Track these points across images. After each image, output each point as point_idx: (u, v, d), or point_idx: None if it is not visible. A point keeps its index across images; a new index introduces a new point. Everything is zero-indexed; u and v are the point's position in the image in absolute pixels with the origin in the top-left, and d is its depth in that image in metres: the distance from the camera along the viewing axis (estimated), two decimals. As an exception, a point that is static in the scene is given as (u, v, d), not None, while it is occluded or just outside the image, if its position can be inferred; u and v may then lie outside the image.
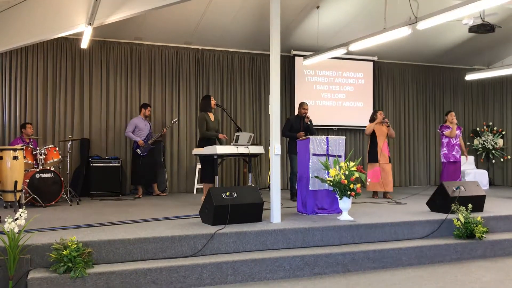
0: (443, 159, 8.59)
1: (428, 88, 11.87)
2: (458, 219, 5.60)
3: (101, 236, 4.44)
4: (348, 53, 8.63)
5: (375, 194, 8.23)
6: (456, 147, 8.55)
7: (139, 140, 8.53)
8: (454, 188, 6.23)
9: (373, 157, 8.15)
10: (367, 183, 8.03)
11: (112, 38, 9.24)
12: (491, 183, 11.78)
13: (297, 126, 7.76)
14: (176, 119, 9.14)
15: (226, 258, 4.51)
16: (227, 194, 5.23)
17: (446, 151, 8.58)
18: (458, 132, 8.63)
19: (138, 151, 8.58)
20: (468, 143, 12.01)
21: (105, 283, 4.01)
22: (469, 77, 10.44)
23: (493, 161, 11.86)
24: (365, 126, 10.85)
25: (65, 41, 8.90)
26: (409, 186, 11.42)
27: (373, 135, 8.23)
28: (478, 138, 11.94)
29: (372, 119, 8.38)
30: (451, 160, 8.53)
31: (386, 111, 11.25)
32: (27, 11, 6.54)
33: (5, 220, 3.93)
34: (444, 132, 8.57)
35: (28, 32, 6.70)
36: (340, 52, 8.36)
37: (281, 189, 9.34)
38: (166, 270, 4.22)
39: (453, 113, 8.63)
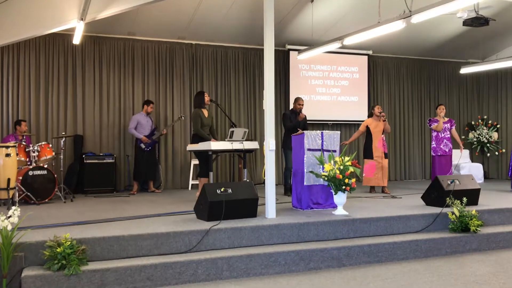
0: (432, 153, 8.66)
1: (423, 82, 11.88)
2: (453, 213, 5.61)
3: (95, 233, 4.42)
4: (343, 47, 8.60)
5: (372, 189, 8.23)
6: (445, 141, 8.56)
7: (142, 137, 8.53)
8: (449, 182, 6.24)
9: (368, 153, 8.14)
10: (362, 178, 8.04)
11: (105, 34, 9.17)
12: (486, 177, 11.82)
13: (293, 121, 7.74)
14: (183, 115, 9.12)
15: (221, 254, 4.50)
16: (222, 190, 5.21)
17: (434, 145, 8.62)
18: (448, 125, 8.64)
19: (142, 145, 8.58)
20: (463, 137, 12.03)
21: (99, 280, 3.99)
22: (464, 70, 10.43)
23: (488, 154, 11.89)
24: (360, 121, 10.91)
25: (57, 36, 8.83)
26: (404, 180, 11.43)
27: (368, 131, 8.22)
28: (473, 131, 11.96)
29: (370, 115, 8.35)
30: (439, 154, 8.56)
31: (381, 105, 11.23)
32: (19, 7, 6.47)
33: (-2, 218, 3.90)
34: (431, 126, 8.60)
35: (20, 28, 6.64)
36: (334, 46, 8.33)
37: (276, 185, 9.32)
38: (161, 267, 4.20)
39: (442, 107, 8.64)
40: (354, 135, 8.48)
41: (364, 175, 8.07)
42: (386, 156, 8.12)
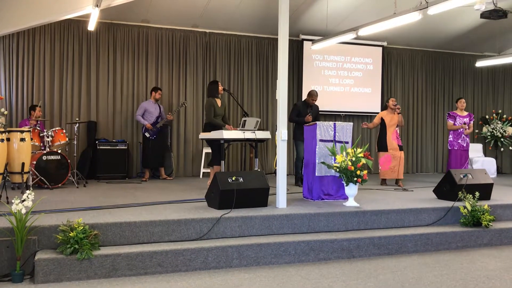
0: (448, 147, 8.58)
1: (438, 75, 11.75)
2: (465, 207, 5.58)
3: (108, 219, 4.46)
4: (357, 38, 8.53)
5: (383, 181, 8.19)
6: (463, 135, 8.48)
7: (147, 123, 8.53)
8: (462, 176, 6.19)
9: (382, 146, 8.06)
10: (379, 170, 8.00)
11: (119, 21, 9.18)
12: (499, 171, 11.71)
13: (304, 113, 7.71)
14: (185, 101, 9.12)
15: (231, 242, 4.52)
16: (233, 178, 5.22)
17: (451, 139, 8.54)
18: (467, 119, 8.56)
19: (147, 134, 8.60)
20: (476, 131, 11.91)
21: (111, 265, 4.04)
22: (480, 63, 10.30)
23: (502, 149, 11.77)
24: (373, 113, 10.85)
25: (72, 23, 8.87)
26: (416, 174, 11.37)
27: (382, 124, 8.14)
28: (487, 125, 11.83)
29: (385, 107, 8.27)
30: (455, 148, 8.48)
31: (394, 97, 11.15)
32: (34, -8, 6.50)
33: (13, 201, 3.95)
34: (448, 120, 8.55)
35: (35, 14, 6.67)
36: (349, 37, 8.26)
37: (287, 175, 9.33)
38: (172, 253, 4.24)
39: (462, 100, 8.55)
40: (370, 125, 8.29)
41: (380, 168, 8.00)
42: (401, 148, 8.04)
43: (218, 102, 7.38)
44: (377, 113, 10.86)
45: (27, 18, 6.66)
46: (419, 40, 11.01)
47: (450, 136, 8.56)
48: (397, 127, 8.11)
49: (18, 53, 8.65)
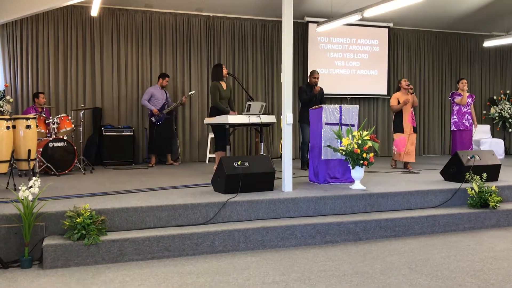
0: (453, 127, 8.47)
1: (445, 56, 11.62)
2: (472, 188, 5.55)
3: (114, 204, 4.48)
4: (363, 19, 8.41)
5: (394, 163, 8.14)
6: (467, 115, 8.39)
7: (153, 108, 8.52)
8: (469, 157, 6.15)
9: (398, 128, 7.97)
10: (394, 152, 7.93)
11: (122, 6, 9.12)
12: (507, 152, 11.63)
13: (309, 94, 7.66)
14: (193, 91, 9.07)
15: (238, 226, 4.54)
16: (239, 163, 5.22)
17: (456, 119, 8.44)
18: (469, 100, 8.47)
19: (153, 119, 8.60)
20: (484, 112, 11.81)
21: (118, 250, 4.07)
22: (487, 43, 10.16)
23: (510, 130, 11.66)
24: (380, 95, 10.77)
25: (75, 8, 8.82)
26: (423, 155, 11.32)
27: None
28: (495, 106, 11.72)
29: (398, 89, 8.15)
30: (461, 128, 8.40)
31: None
32: (36, -22, 6.45)
33: (19, 188, 3.97)
34: (455, 99, 8.42)
35: (38, 0, 6.64)
36: (354, 18, 8.16)
37: (293, 159, 9.30)
38: (179, 238, 4.25)
39: (464, 80, 8.43)
40: (396, 108, 8.06)
41: (395, 149, 7.92)
42: (415, 130, 7.97)
43: (223, 85, 7.35)
44: (384, 95, 10.81)
45: (29, 4, 6.63)
46: (425, 21, 10.87)
47: (455, 116, 8.46)
48: (412, 107, 8.03)
49: (22, 40, 8.63)
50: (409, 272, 3.80)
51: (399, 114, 8.00)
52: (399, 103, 7.93)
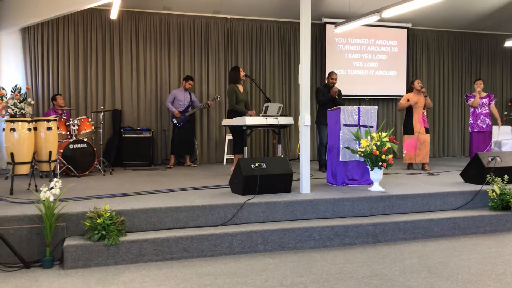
0: (469, 129, 8.40)
1: (464, 56, 11.47)
2: (493, 191, 5.46)
3: (134, 205, 4.53)
4: (381, 20, 8.36)
5: (410, 165, 8.07)
6: (482, 116, 8.27)
7: (174, 110, 8.60)
8: (490, 159, 6.06)
9: (408, 129, 7.91)
10: (404, 155, 7.88)
11: (141, 9, 9.21)
12: (529, 154, 11.41)
13: (326, 96, 7.63)
14: (218, 96, 9.09)
15: (256, 227, 4.54)
16: (256, 164, 5.22)
17: (471, 121, 8.35)
18: (486, 100, 8.33)
19: (174, 121, 8.68)
20: (505, 112, 11.62)
21: (138, 250, 4.10)
22: (509, 43, 10.00)
23: (532, 131, 11.46)
24: (399, 96, 10.68)
25: (94, 12, 8.94)
26: (443, 157, 11.18)
27: (408, 106, 7.98)
28: (516, 107, 11.53)
29: (410, 89, 8.10)
30: (475, 130, 8.29)
31: (420, 80, 10.91)
32: (57, -18, 6.56)
33: (41, 189, 4.04)
34: (467, 102, 8.33)
35: (58, 4, 6.75)
36: (372, 19, 8.11)
37: (311, 160, 9.27)
38: (197, 239, 4.28)
39: (479, 82, 8.32)
40: (402, 106, 8.02)
41: (405, 151, 7.88)
42: (427, 131, 7.89)
43: (240, 88, 7.37)
44: (402, 96, 10.70)
45: (50, 8, 6.74)
46: (445, 21, 10.74)
47: (470, 118, 8.38)
48: (424, 109, 7.95)
49: (43, 43, 8.77)
50: (428, 275, 3.76)
51: (409, 115, 7.94)
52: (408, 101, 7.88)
